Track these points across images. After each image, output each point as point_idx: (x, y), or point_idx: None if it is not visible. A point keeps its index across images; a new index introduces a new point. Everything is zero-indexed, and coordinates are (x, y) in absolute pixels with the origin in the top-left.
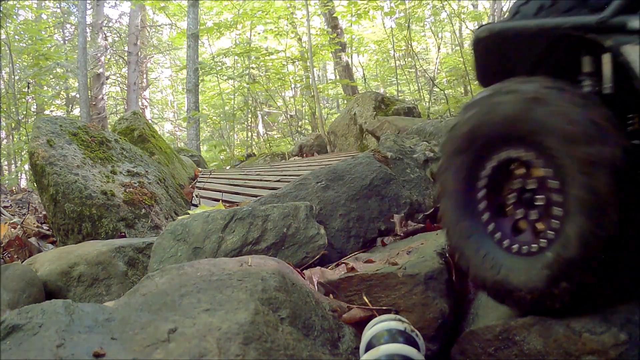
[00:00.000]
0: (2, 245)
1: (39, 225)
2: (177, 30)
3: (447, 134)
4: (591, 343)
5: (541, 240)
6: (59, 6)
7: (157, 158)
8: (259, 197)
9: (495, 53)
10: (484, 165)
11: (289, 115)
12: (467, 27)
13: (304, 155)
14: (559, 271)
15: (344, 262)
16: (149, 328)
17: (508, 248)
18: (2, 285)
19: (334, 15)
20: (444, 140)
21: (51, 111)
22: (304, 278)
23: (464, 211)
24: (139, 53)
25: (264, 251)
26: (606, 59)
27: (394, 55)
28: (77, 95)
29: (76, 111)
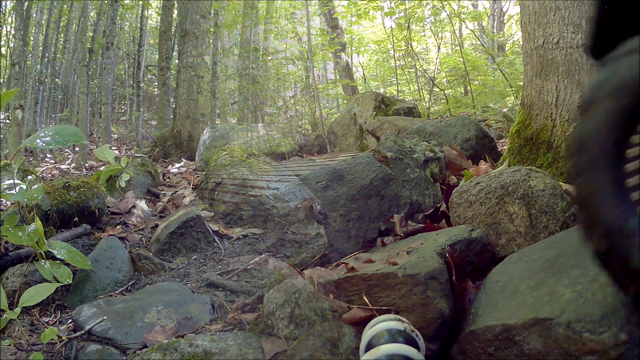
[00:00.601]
0: None
1: None
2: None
3: (586, 100)
4: (591, 343)
5: None
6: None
7: None
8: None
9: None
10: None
11: (289, 115)
12: (467, 27)
13: (304, 155)
14: None
15: (344, 262)
16: None
17: None
18: None
19: (334, 15)
20: (582, 114)
21: None
22: (304, 278)
23: (615, 194)
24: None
25: (264, 251)
26: None
27: (394, 55)
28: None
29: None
